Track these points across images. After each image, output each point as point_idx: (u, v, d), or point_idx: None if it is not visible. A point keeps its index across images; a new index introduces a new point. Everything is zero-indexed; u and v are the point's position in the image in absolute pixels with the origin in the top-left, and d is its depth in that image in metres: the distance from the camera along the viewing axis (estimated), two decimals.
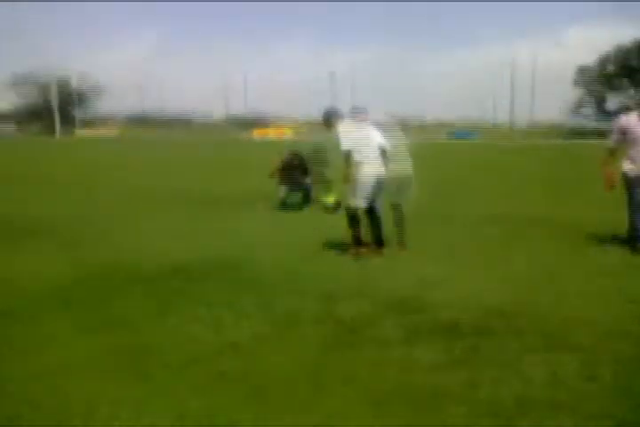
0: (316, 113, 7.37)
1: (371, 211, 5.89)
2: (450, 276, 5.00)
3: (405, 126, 6.07)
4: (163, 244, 6.38)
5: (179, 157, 26.53)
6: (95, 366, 3.12)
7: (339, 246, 6.09)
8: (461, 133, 58.01)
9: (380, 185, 5.81)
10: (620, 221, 6.15)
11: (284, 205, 9.00)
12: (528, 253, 5.93)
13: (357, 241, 5.84)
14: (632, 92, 59.41)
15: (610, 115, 61.11)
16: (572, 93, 62.70)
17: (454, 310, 4.05)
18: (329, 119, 6.01)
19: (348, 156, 5.66)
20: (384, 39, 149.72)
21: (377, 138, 5.84)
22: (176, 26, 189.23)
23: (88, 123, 77.37)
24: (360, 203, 5.76)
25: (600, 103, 61.42)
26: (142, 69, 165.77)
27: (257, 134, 69.50)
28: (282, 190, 8.98)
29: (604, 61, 59.51)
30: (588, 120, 62.36)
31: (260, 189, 11.43)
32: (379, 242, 5.93)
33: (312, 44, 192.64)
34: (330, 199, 7.82)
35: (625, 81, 59.59)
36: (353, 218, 5.82)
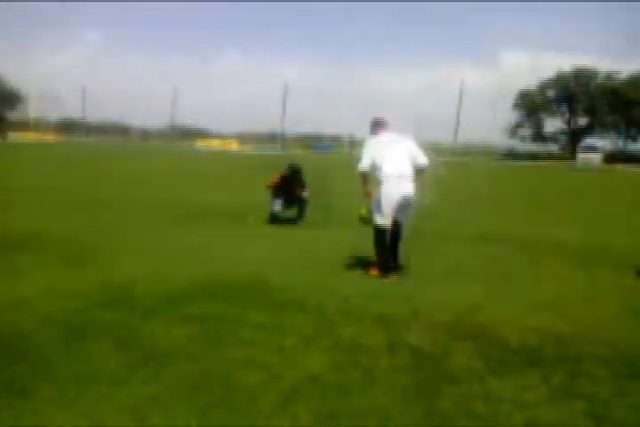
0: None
1: (392, 231, 5.57)
2: (483, 297, 4.85)
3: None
4: (169, 261, 5.85)
5: (130, 165, 25.44)
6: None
7: (356, 263, 5.89)
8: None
9: (405, 204, 5.47)
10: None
11: (277, 220, 8.61)
12: (540, 273, 5.91)
13: (383, 262, 5.52)
14: (568, 117, 62.55)
15: (546, 138, 64.25)
16: (510, 116, 65.34)
17: (518, 335, 3.88)
18: (374, 128, 5.70)
19: (364, 175, 5.48)
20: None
21: (409, 153, 5.53)
22: (119, 31, 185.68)
23: (19, 126, 73.53)
24: (383, 221, 5.46)
25: (538, 126, 64.18)
26: (81, 75, 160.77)
27: (200, 144, 68.59)
28: (277, 204, 8.58)
29: (544, 86, 62.26)
30: (524, 143, 65.26)
31: (242, 202, 11.11)
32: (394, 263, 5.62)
33: (259, 58, 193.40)
34: (364, 211, 6.29)
35: (563, 106, 62.51)
36: (379, 237, 5.52)
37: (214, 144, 68.46)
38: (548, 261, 6.60)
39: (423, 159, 5.56)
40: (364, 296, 4.73)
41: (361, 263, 5.86)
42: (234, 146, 68.37)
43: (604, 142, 56.63)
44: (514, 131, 64.82)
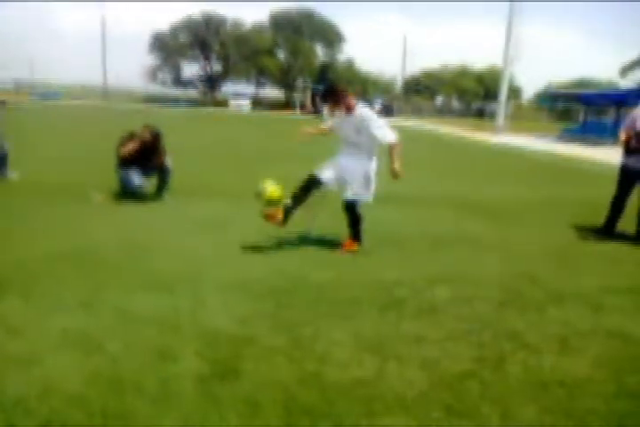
0: None
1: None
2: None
3: None
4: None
5: None
6: None
7: (313, 241, 5.71)
8: (49, 94, 52.91)
9: None
10: None
11: (136, 195, 7.15)
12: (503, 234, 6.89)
13: (361, 234, 5.59)
14: (203, 62, 64.19)
15: (185, 83, 65.19)
16: (148, 60, 63.63)
17: None
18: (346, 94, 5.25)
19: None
20: None
21: None
22: None
23: None
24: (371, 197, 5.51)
25: (176, 71, 64.38)
26: None
27: None
28: (137, 177, 7.09)
29: (175, 31, 61.91)
30: (166, 87, 65.01)
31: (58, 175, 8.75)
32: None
33: None
34: (272, 190, 5.46)
35: (197, 52, 63.47)
36: (361, 211, 5.50)
37: None
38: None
39: None
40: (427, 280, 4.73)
41: (316, 240, 5.72)
42: None
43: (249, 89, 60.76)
44: (153, 75, 63.79)
